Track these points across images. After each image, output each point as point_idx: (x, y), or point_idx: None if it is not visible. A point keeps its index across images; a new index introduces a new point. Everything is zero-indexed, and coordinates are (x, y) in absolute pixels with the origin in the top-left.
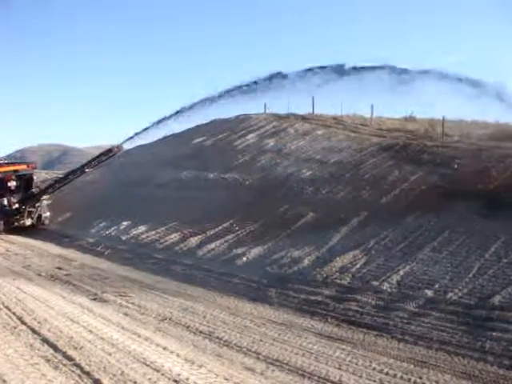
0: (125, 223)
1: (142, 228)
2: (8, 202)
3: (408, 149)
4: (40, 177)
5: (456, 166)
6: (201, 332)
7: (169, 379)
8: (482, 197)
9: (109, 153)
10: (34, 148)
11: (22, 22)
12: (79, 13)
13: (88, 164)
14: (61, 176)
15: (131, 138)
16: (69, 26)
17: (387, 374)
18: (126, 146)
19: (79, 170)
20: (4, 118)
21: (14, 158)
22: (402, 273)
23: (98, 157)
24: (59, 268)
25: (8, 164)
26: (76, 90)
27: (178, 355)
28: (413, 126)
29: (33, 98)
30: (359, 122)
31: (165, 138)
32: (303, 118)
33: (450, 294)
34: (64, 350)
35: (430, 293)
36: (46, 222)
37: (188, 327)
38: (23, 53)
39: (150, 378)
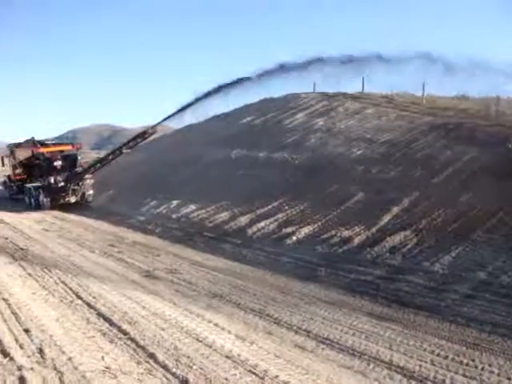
0: (175, 202)
1: (192, 207)
2: (54, 180)
3: (461, 128)
4: (91, 157)
5: (511, 146)
6: (251, 310)
7: (221, 355)
8: None
9: (144, 135)
10: (85, 128)
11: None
12: None
13: (125, 145)
14: (101, 157)
15: (173, 115)
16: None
17: (438, 355)
18: (175, 126)
19: (117, 151)
20: (57, 99)
21: (65, 139)
22: (453, 254)
23: (133, 138)
24: (112, 245)
25: (55, 145)
26: (125, 70)
27: (229, 332)
28: (466, 104)
29: (85, 79)
30: (410, 100)
31: (214, 117)
32: (353, 97)
33: (504, 277)
34: (119, 324)
35: (482, 275)
36: (90, 199)
37: (238, 305)
38: (75, 33)
39: (202, 354)
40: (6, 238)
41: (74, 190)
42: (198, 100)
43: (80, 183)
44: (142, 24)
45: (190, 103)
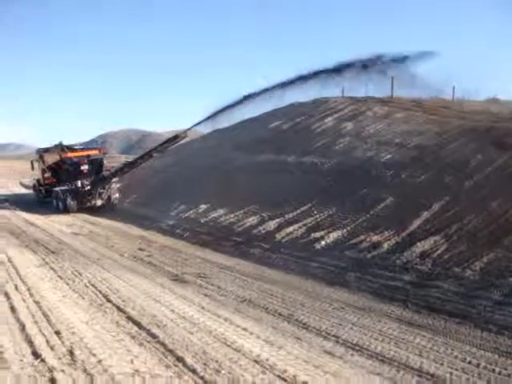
0: (203, 206)
1: (220, 211)
2: (81, 184)
3: (492, 131)
4: (120, 161)
5: None
6: (280, 314)
7: (249, 359)
8: None
9: (175, 139)
10: (115, 133)
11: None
12: None
13: (155, 149)
14: (130, 160)
15: (205, 120)
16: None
17: (470, 362)
18: (204, 131)
19: (147, 155)
20: (88, 105)
21: (95, 143)
22: (485, 260)
23: (164, 142)
24: (141, 249)
25: (82, 149)
26: (155, 76)
27: (257, 336)
28: (496, 108)
29: (115, 85)
30: (440, 104)
31: (242, 122)
32: (381, 101)
33: None
34: (148, 327)
35: None
36: (115, 202)
37: (267, 309)
38: (107, 40)
39: (230, 358)
40: (37, 242)
41: (100, 193)
42: (230, 106)
43: (106, 187)
44: (172, 29)
45: (223, 108)
